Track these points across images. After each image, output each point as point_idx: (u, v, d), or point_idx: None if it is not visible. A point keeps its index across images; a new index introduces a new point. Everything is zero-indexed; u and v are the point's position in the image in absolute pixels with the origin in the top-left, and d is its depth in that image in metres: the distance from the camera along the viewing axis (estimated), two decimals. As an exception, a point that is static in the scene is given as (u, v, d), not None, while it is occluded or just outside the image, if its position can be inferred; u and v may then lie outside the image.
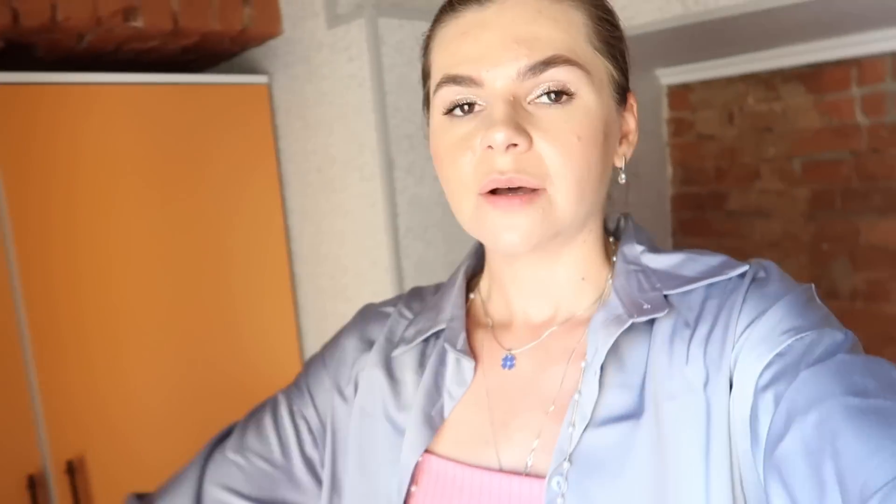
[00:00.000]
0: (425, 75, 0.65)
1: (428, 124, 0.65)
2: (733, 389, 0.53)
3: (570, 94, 0.55)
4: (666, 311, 0.58)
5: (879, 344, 2.08)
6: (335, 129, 1.62)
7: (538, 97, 0.55)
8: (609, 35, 0.60)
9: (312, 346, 1.85)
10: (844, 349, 0.50)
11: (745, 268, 0.59)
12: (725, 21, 1.46)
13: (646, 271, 0.63)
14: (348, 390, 0.72)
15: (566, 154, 0.55)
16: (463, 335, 0.67)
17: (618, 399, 0.57)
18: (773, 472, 0.48)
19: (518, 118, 0.54)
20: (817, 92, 2.13)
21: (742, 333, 0.54)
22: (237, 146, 1.73)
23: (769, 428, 0.49)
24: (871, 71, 2.03)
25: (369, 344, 0.73)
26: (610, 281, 0.65)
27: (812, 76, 2.13)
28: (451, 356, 0.66)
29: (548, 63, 0.54)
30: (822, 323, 0.53)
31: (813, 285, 0.58)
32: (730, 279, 0.58)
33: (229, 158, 1.72)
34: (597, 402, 0.57)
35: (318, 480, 0.72)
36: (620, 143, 0.63)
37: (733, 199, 2.38)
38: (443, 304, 0.70)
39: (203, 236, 1.69)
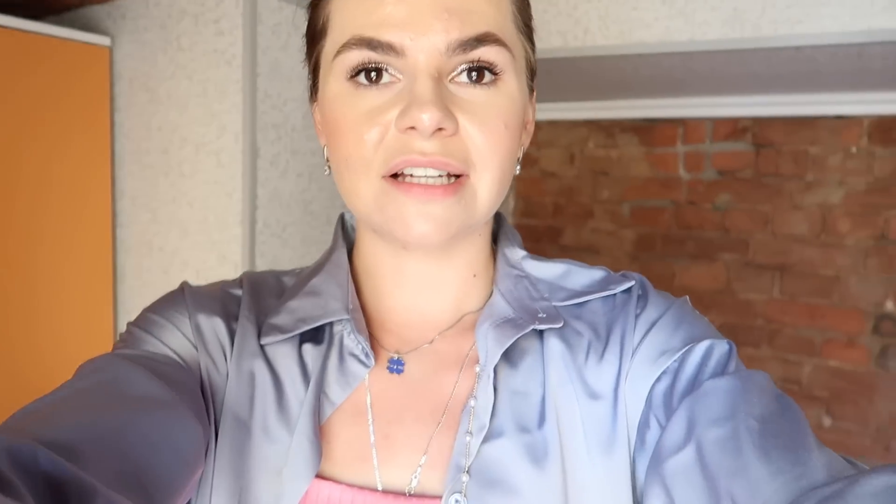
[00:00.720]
0: (316, 32, 0.55)
1: (312, 95, 0.58)
2: (629, 399, 0.53)
3: (495, 75, 0.51)
4: (562, 324, 0.56)
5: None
6: (190, 106, 1.46)
7: (459, 75, 0.50)
8: (529, 16, 0.57)
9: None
10: (734, 359, 0.52)
11: (630, 283, 0.59)
12: (575, 65, 1.56)
13: (530, 278, 0.61)
14: (223, 365, 0.57)
15: (493, 141, 0.51)
16: (365, 329, 0.58)
17: (517, 407, 0.54)
18: (659, 482, 0.48)
19: (445, 99, 0.49)
20: (649, 145, 2.35)
21: (638, 345, 0.54)
22: (63, 113, 1.49)
23: (662, 437, 0.50)
24: (694, 131, 2.27)
25: (233, 322, 0.59)
26: (491, 287, 0.61)
27: (646, 130, 2.34)
28: (336, 354, 0.57)
29: (480, 40, 0.49)
30: (710, 332, 0.54)
31: (687, 297, 0.60)
32: (615, 295, 0.59)
33: (52, 126, 1.47)
34: (494, 409, 0.54)
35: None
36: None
37: (568, 235, 2.52)
38: (329, 290, 0.59)
39: (8, 211, 1.42)
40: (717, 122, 2.24)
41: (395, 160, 0.49)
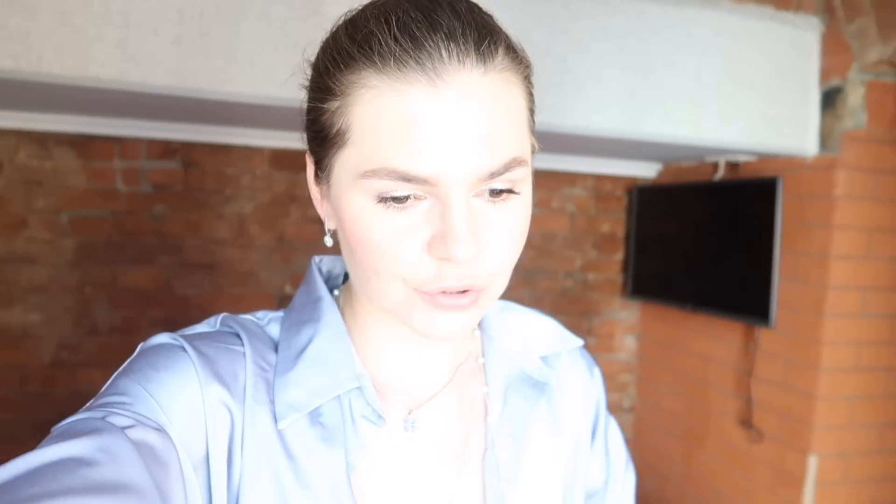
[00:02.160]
0: (332, 135, 0.51)
1: (323, 181, 0.54)
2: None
3: (517, 193, 0.51)
4: (550, 382, 0.66)
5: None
6: None
7: (484, 192, 0.50)
8: (533, 105, 0.56)
9: None
10: None
11: (580, 340, 0.72)
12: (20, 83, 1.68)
13: (513, 333, 0.67)
14: (228, 448, 0.53)
15: (510, 254, 0.52)
16: (375, 394, 0.57)
17: (537, 450, 0.63)
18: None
19: (473, 223, 0.49)
20: (86, 158, 2.49)
21: (595, 395, 0.72)
22: None
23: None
24: (130, 149, 2.54)
25: (229, 401, 0.53)
26: (477, 332, 0.67)
27: (83, 144, 2.48)
28: (349, 419, 0.56)
29: (507, 167, 0.49)
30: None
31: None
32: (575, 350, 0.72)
33: None
34: (516, 459, 0.61)
35: None
36: None
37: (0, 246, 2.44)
38: (334, 357, 0.58)
39: None
40: (151, 143, 2.56)
41: (431, 286, 0.50)
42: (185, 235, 2.63)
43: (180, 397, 0.50)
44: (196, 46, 1.70)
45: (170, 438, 0.48)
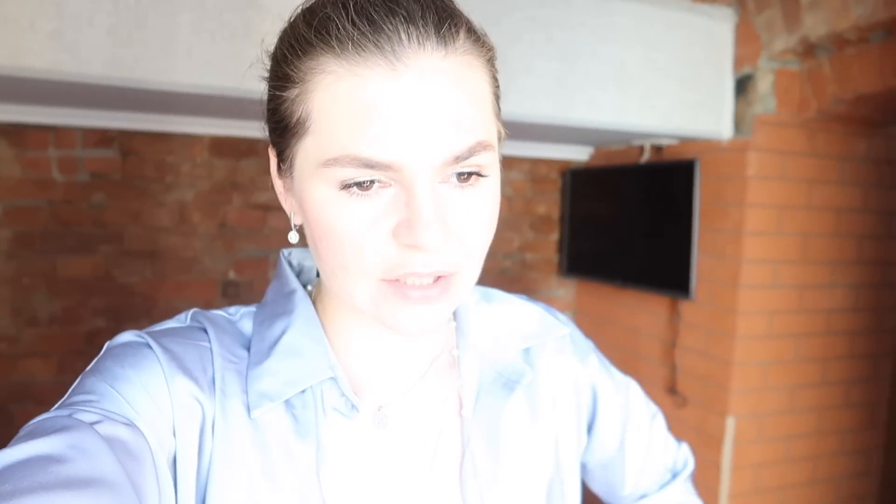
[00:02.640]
0: (292, 124, 0.51)
1: (285, 172, 0.54)
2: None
3: (483, 176, 0.51)
4: (531, 377, 0.64)
5: (73, 359, 2.55)
6: None
7: (449, 177, 0.49)
8: (498, 91, 0.55)
9: None
10: None
11: (567, 328, 0.71)
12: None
13: (488, 325, 0.65)
14: (199, 438, 0.52)
15: (479, 240, 0.52)
16: (349, 386, 0.57)
17: (513, 447, 0.63)
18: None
19: (439, 209, 0.48)
20: (20, 147, 2.46)
21: (578, 375, 0.72)
22: None
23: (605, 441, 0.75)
24: (66, 138, 2.51)
25: (211, 384, 0.54)
26: (452, 323, 0.65)
27: (15, 133, 2.45)
28: (321, 410, 0.56)
29: (472, 151, 0.48)
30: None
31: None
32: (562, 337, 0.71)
33: None
34: (493, 456, 0.61)
35: None
36: None
37: (-70, 238, 2.39)
38: (307, 348, 0.57)
39: None
40: (87, 131, 2.54)
41: (398, 272, 0.49)
42: (125, 224, 2.63)
43: (147, 393, 0.49)
44: (132, 37, 1.72)
45: (140, 432, 0.47)
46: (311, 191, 0.50)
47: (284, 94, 0.50)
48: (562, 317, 0.74)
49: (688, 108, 2.33)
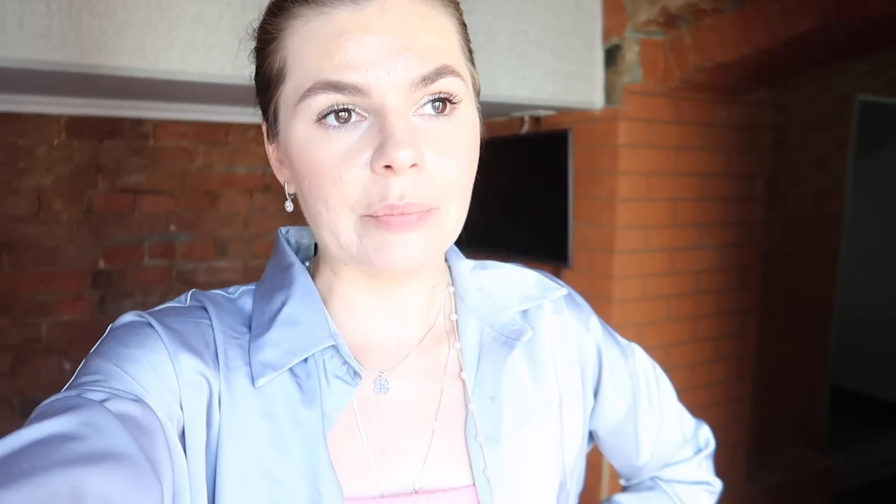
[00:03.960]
0: (272, 76, 0.55)
1: (273, 133, 0.57)
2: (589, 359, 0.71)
3: (454, 104, 0.53)
4: (530, 334, 0.64)
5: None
6: None
7: (422, 107, 0.52)
8: (469, 42, 0.59)
9: None
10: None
11: (564, 289, 0.72)
12: None
13: (486, 289, 0.67)
14: (208, 411, 0.54)
15: (458, 171, 0.53)
16: (350, 353, 0.58)
17: (516, 406, 0.63)
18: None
19: (412, 133, 0.50)
20: None
21: (581, 336, 0.71)
22: None
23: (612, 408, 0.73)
24: None
25: (214, 358, 0.55)
26: (451, 289, 0.67)
27: None
28: (323, 379, 0.57)
29: (439, 72, 0.51)
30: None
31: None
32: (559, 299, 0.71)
33: None
34: (499, 419, 0.61)
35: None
36: None
37: None
38: (307, 317, 0.58)
39: None
40: (-78, 113, 2.31)
41: (376, 206, 0.51)
42: (-26, 214, 2.43)
43: (152, 370, 0.51)
44: (-49, 7, 1.56)
45: (149, 407, 0.49)
46: (292, 133, 0.53)
47: (265, 51, 0.55)
48: (559, 281, 0.74)
49: (560, 78, 2.37)
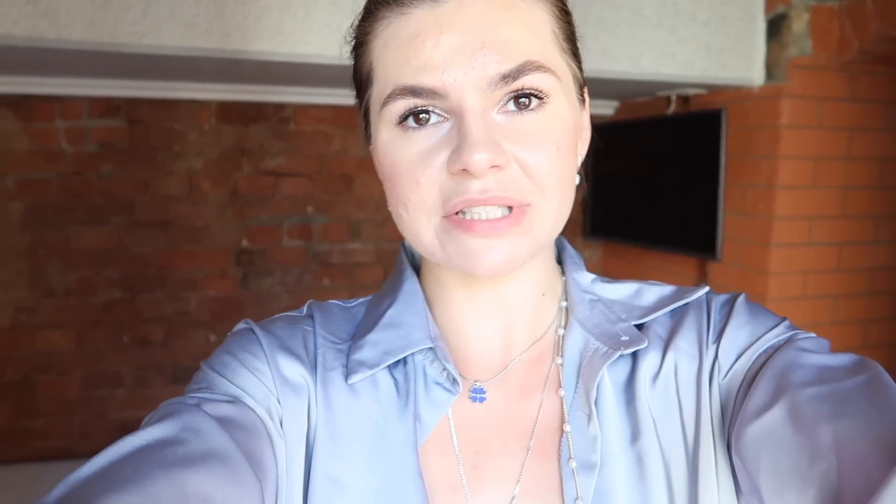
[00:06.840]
0: (362, 80, 0.55)
1: (367, 137, 0.56)
2: (712, 394, 0.54)
3: (541, 99, 0.49)
4: (646, 343, 0.56)
5: (91, 329, 2.56)
6: None
7: (506, 104, 0.49)
8: (571, 31, 0.55)
9: None
10: (801, 332, 0.54)
11: (703, 291, 0.60)
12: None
13: (603, 301, 0.61)
14: (306, 410, 0.55)
15: (547, 166, 0.50)
16: (450, 357, 0.56)
17: (614, 430, 0.55)
18: (736, 454, 0.50)
19: (493, 134, 0.48)
20: (27, 120, 2.45)
21: (715, 344, 0.55)
22: None
23: (742, 411, 0.50)
24: (71, 108, 2.49)
25: (313, 361, 0.56)
26: (564, 304, 0.62)
27: (22, 105, 2.43)
28: (421, 384, 0.56)
29: (521, 69, 0.48)
30: (773, 319, 0.56)
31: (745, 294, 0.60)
32: (687, 303, 0.59)
33: None
34: (595, 439, 0.54)
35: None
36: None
37: (-55, 212, 2.41)
38: (408, 320, 0.58)
39: None
40: (93, 101, 2.51)
41: (453, 201, 0.49)
42: (135, 194, 2.61)
43: (249, 371, 0.53)
44: (110, -2, 1.65)
45: (248, 407, 0.51)
46: (378, 136, 0.52)
47: (357, 54, 0.55)
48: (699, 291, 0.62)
49: (713, 53, 2.15)
